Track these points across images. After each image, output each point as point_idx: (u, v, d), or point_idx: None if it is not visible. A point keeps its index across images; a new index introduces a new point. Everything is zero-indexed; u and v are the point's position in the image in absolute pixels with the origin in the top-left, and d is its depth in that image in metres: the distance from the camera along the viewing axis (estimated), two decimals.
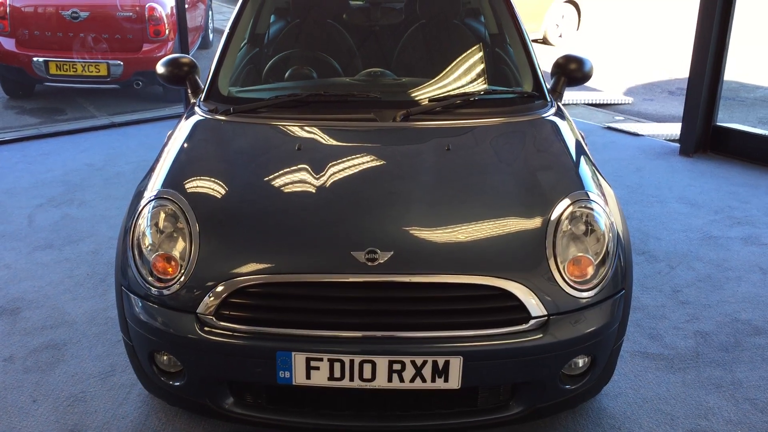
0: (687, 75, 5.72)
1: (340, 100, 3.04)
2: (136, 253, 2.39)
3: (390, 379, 2.20)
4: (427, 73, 3.36)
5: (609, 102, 7.88)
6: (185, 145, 2.82)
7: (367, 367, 2.18)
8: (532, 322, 2.22)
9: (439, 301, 2.23)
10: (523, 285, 2.22)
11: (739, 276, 3.81)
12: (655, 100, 8.21)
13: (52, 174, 5.27)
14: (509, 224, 2.39)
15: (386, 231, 2.32)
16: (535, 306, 2.22)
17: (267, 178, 2.58)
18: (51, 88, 7.67)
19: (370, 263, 2.20)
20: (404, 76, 3.37)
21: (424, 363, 2.17)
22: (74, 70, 7.15)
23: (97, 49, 7.21)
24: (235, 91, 3.27)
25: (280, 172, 2.60)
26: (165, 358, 2.38)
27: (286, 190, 2.53)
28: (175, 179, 2.56)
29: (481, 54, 3.47)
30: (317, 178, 2.51)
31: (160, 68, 3.28)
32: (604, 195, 2.59)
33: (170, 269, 2.32)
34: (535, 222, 2.37)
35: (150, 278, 2.34)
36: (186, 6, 7.67)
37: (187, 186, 2.52)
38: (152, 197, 2.48)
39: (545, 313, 2.23)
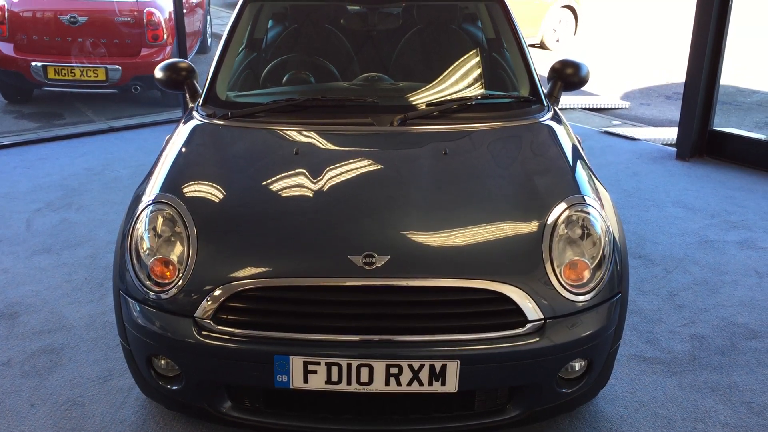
0: (684, 79, 5.75)
1: (338, 104, 3.05)
2: (134, 257, 2.40)
3: (387, 383, 2.20)
4: (424, 78, 3.37)
5: (606, 106, 7.89)
6: (183, 149, 2.83)
7: (365, 371, 2.19)
8: (528, 325, 2.23)
9: (436, 305, 2.24)
10: (520, 289, 2.23)
11: (736, 280, 3.82)
12: (652, 105, 8.23)
13: (51, 178, 5.28)
14: (506, 228, 2.40)
15: (383, 235, 2.33)
16: (531, 310, 2.23)
17: (265, 183, 2.59)
18: (49, 92, 7.68)
19: (367, 267, 2.21)
20: (402, 81, 3.38)
21: (421, 367, 2.18)
22: (72, 74, 7.15)
23: (96, 53, 7.22)
24: (233, 95, 3.28)
25: (278, 177, 2.61)
26: (163, 362, 2.39)
27: (284, 195, 2.54)
28: (173, 183, 2.57)
29: (478, 59, 3.49)
30: (315, 183, 2.52)
31: (158, 73, 3.30)
32: (600, 199, 2.60)
33: (168, 273, 2.33)
34: (532, 226, 2.39)
35: (148, 282, 2.34)
36: (184, 11, 7.68)
37: (185, 190, 2.53)
38: (150, 201, 2.49)
39: (542, 316, 2.24)
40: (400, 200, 2.48)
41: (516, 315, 2.23)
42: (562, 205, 2.44)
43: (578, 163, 2.77)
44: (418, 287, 2.22)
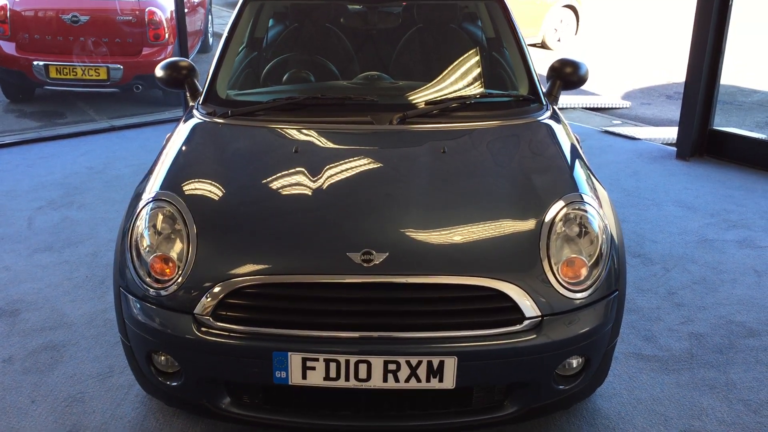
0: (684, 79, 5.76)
1: (337, 103, 3.07)
2: (134, 254, 2.41)
3: (385, 379, 2.22)
4: (424, 77, 3.39)
5: (607, 106, 7.90)
6: (183, 147, 2.85)
7: (363, 367, 2.20)
8: (526, 322, 2.24)
9: (433, 302, 2.25)
10: (517, 286, 2.25)
11: (734, 278, 3.83)
12: (653, 104, 8.24)
13: (52, 177, 5.30)
14: (504, 226, 2.41)
15: (382, 232, 2.34)
16: (529, 307, 2.24)
17: (264, 181, 2.60)
18: (51, 91, 7.70)
19: (365, 264, 2.23)
20: (401, 80, 3.40)
21: (419, 363, 2.20)
22: (74, 73, 7.17)
23: (97, 53, 7.24)
24: (234, 94, 3.29)
25: (277, 175, 2.62)
26: (162, 358, 2.40)
27: (283, 192, 2.55)
28: (173, 181, 2.59)
29: (477, 58, 3.50)
30: (314, 181, 2.53)
31: (158, 72, 3.31)
32: (598, 197, 2.61)
33: (168, 270, 2.34)
34: (529, 224, 2.40)
35: (148, 279, 2.36)
36: (186, 10, 7.69)
37: (185, 188, 2.54)
38: (150, 199, 2.50)
39: (539, 313, 2.25)
40: (399, 198, 2.50)
41: (513, 312, 2.24)
42: (560, 203, 2.45)
43: (576, 161, 2.79)
44: (416, 284, 2.24)
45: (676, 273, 3.88)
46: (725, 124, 6.74)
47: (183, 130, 2.99)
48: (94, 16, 7.22)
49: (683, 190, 5.13)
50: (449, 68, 3.40)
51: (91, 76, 7.18)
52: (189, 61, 3.40)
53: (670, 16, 14.28)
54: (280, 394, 2.39)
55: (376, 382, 2.22)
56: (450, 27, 3.80)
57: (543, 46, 11.52)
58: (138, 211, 2.50)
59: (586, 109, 7.76)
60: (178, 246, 2.36)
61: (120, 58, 7.22)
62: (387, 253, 2.24)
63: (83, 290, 3.66)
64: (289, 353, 2.20)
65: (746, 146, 5.67)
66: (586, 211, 2.46)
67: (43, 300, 3.56)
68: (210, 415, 2.45)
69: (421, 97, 3.17)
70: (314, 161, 2.65)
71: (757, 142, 5.68)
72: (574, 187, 2.57)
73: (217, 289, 2.24)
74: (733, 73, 8.44)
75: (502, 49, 3.55)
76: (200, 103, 3.15)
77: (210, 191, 2.54)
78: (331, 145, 2.84)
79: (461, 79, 3.37)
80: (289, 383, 2.24)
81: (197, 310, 2.25)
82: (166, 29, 7.35)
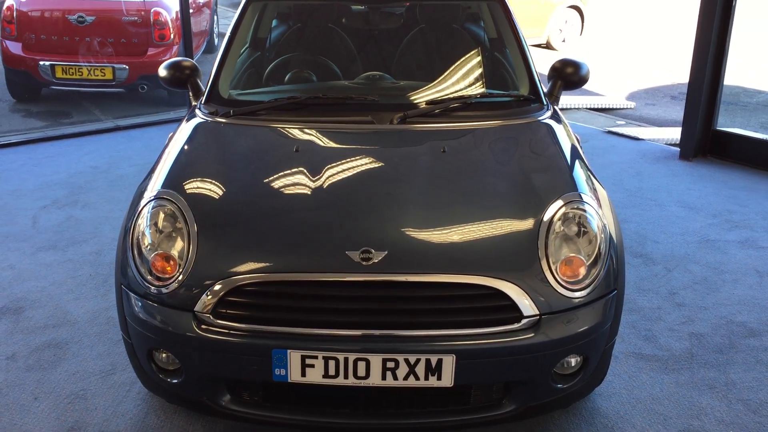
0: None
1: (338, 102, 3.08)
2: (135, 252, 2.43)
3: (384, 377, 2.23)
4: (425, 77, 3.40)
5: (611, 106, 7.90)
6: (185, 146, 2.87)
7: (361, 365, 2.22)
8: (524, 321, 2.25)
9: (432, 300, 2.26)
10: (516, 285, 2.26)
11: (736, 279, 3.83)
12: (658, 105, 8.23)
13: (57, 176, 5.33)
14: (502, 225, 2.43)
15: (381, 231, 2.36)
16: (527, 305, 2.25)
17: (264, 180, 2.62)
18: (57, 91, 7.74)
19: (364, 263, 2.24)
20: (403, 80, 3.41)
21: (418, 361, 2.21)
22: (80, 73, 7.21)
23: (103, 53, 7.28)
24: (236, 94, 3.31)
25: (278, 174, 2.64)
26: (163, 355, 2.42)
27: (283, 191, 2.57)
28: (174, 180, 2.61)
29: (479, 58, 3.51)
30: (314, 180, 2.55)
31: (162, 71, 3.34)
32: (597, 197, 2.62)
33: (169, 268, 2.36)
34: (528, 223, 2.41)
35: (149, 277, 2.38)
36: (191, 11, 7.74)
37: (186, 187, 2.56)
38: (152, 197, 2.53)
39: (537, 312, 2.26)
40: (398, 197, 2.51)
41: (512, 311, 2.25)
42: (559, 202, 2.46)
43: (576, 161, 2.80)
44: (414, 282, 2.25)
45: (678, 273, 3.88)
46: (730, 124, 6.73)
47: (185, 129, 3.02)
48: (100, 17, 7.27)
49: (686, 190, 5.13)
50: (450, 68, 3.42)
51: (97, 76, 7.22)
52: (192, 60, 3.43)
53: (676, 16, 14.25)
54: (280, 391, 2.41)
55: (375, 379, 2.23)
56: (452, 27, 3.82)
57: (548, 46, 11.52)
58: (140, 209, 2.52)
59: (591, 109, 7.76)
60: (179, 244, 2.38)
61: (125, 59, 7.26)
62: (386, 252, 2.26)
63: (87, 288, 3.68)
64: (288, 351, 2.21)
65: (749, 147, 5.66)
66: (585, 211, 2.47)
67: (46, 298, 3.59)
68: (210, 412, 2.47)
69: (421, 96, 3.19)
70: (315, 160, 2.67)
71: (760, 142, 5.68)
72: (573, 186, 2.57)
73: (217, 287, 2.26)
74: (737, 72, 8.42)
75: (503, 50, 3.56)
76: (203, 102, 3.17)
77: (211, 190, 2.56)
78: (331, 144, 2.86)
79: (462, 79, 3.38)
80: (289, 380, 2.25)
81: (198, 307, 2.27)
82: (171, 30, 7.38)
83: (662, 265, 3.98)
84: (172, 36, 7.40)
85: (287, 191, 2.57)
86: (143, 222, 2.47)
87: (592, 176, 2.78)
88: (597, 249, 2.41)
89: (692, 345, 3.22)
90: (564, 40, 11.67)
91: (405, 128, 2.92)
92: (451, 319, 2.24)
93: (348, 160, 2.71)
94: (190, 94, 3.33)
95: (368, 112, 2.98)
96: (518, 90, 3.29)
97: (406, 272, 2.25)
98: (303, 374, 2.24)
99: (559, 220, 2.42)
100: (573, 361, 2.42)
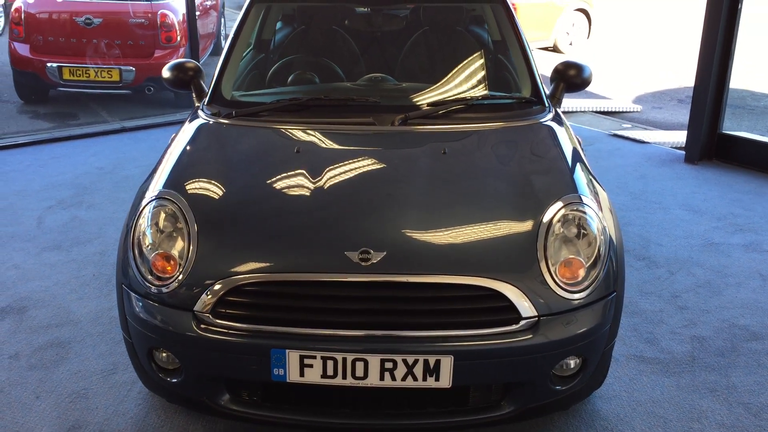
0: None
1: (340, 104, 3.09)
2: (136, 252, 2.45)
3: (382, 378, 2.23)
4: (428, 79, 3.41)
5: (617, 110, 7.89)
6: (187, 147, 2.88)
7: (360, 365, 2.22)
8: (522, 322, 2.25)
9: (430, 301, 2.26)
10: (514, 286, 2.25)
11: (739, 282, 3.82)
12: (664, 108, 8.22)
13: (63, 177, 5.36)
14: (502, 226, 2.43)
15: (380, 232, 2.36)
16: (525, 307, 2.25)
17: (265, 180, 2.63)
18: (64, 93, 7.79)
19: (363, 263, 2.24)
20: (406, 82, 3.42)
21: (416, 362, 2.21)
22: (87, 75, 7.26)
23: (110, 55, 7.32)
24: (239, 95, 3.33)
25: (278, 175, 2.65)
26: (163, 355, 2.43)
27: (283, 192, 2.58)
28: (175, 180, 2.62)
29: (481, 61, 3.51)
30: (314, 181, 2.56)
31: (165, 72, 3.36)
32: (598, 200, 2.62)
33: (169, 268, 2.37)
34: (528, 224, 2.41)
35: (149, 277, 2.39)
36: (198, 13, 7.78)
37: (187, 187, 2.57)
38: (153, 197, 2.54)
39: (536, 314, 2.26)
40: (398, 198, 2.52)
41: (510, 312, 2.25)
42: (558, 204, 2.46)
43: (577, 163, 2.79)
44: (413, 283, 2.25)
45: (681, 276, 3.87)
46: (737, 128, 6.70)
47: (188, 130, 3.03)
48: (107, 19, 7.31)
49: (691, 193, 5.12)
50: (453, 71, 3.42)
51: (104, 77, 7.27)
52: (195, 62, 3.45)
53: (683, 19, 14.22)
54: (280, 391, 2.42)
55: (373, 380, 2.24)
56: (456, 30, 3.82)
57: (555, 49, 11.51)
58: (141, 209, 2.53)
59: (597, 112, 7.75)
60: (179, 244, 2.39)
61: (132, 60, 7.30)
62: (384, 253, 2.26)
63: (90, 288, 3.70)
64: (287, 351, 2.22)
65: (755, 150, 5.65)
66: (584, 213, 2.47)
67: (50, 297, 3.61)
68: (210, 412, 2.48)
69: (423, 98, 3.19)
70: (315, 161, 2.68)
71: (766, 146, 5.65)
72: (573, 188, 2.57)
73: (216, 287, 2.27)
74: (744, 75, 8.39)
75: (505, 52, 3.56)
76: (205, 103, 3.19)
77: (212, 190, 2.57)
78: (332, 145, 2.87)
79: (464, 81, 3.38)
80: (287, 380, 2.26)
81: (197, 307, 2.28)
82: (178, 32, 7.42)
83: (665, 268, 3.97)
84: (178, 38, 7.43)
85: (287, 192, 2.58)
86: (144, 222, 2.48)
87: (592, 179, 2.78)
88: (596, 251, 2.40)
89: (694, 348, 3.21)
90: (571, 43, 11.66)
91: (406, 130, 2.92)
92: (450, 320, 2.24)
93: (348, 161, 2.72)
94: (193, 95, 3.35)
95: (370, 113, 2.98)
96: (520, 92, 3.29)
97: (405, 273, 2.25)
98: (301, 374, 2.24)
99: (558, 221, 2.42)
100: (572, 362, 2.41)
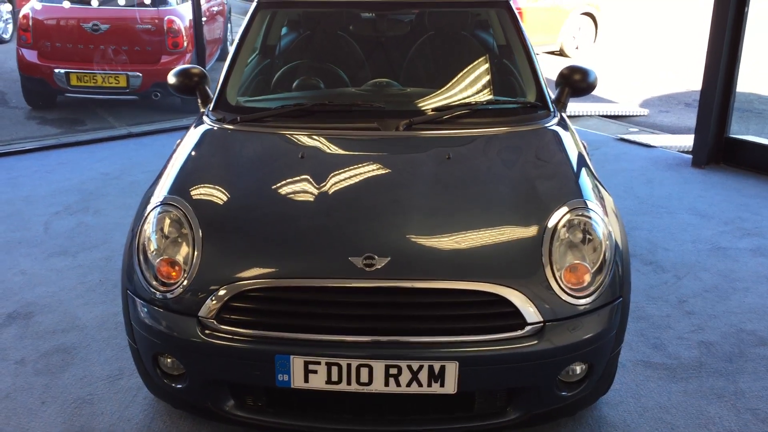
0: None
1: (345, 109, 3.09)
2: (141, 257, 2.45)
3: (387, 384, 2.23)
4: (433, 84, 3.40)
5: (624, 114, 7.87)
6: (192, 153, 2.88)
7: (364, 371, 2.22)
8: (527, 328, 2.24)
9: (435, 307, 2.26)
10: (520, 291, 2.25)
11: (747, 287, 3.80)
12: (671, 112, 8.19)
13: (70, 183, 5.38)
14: (507, 231, 2.42)
15: (384, 237, 2.36)
16: (531, 312, 2.24)
17: (270, 186, 2.63)
18: (72, 99, 7.82)
19: (367, 269, 2.24)
20: (411, 87, 3.42)
21: (421, 368, 2.20)
22: (94, 81, 7.29)
23: (117, 60, 7.35)
24: (243, 101, 3.33)
25: (283, 180, 2.65)
26: (168, 360, 2.43)
27: (288, 198, 2.58)
28: (180, 186, 2.62)
29: (486, 65, 3.51)
30: (318, 186, 2.55)
31: (170, 78, 3.37)
32: (603, 205, 2.61)
33: (174, 274, 2.37)
34: (533, 229, 2.40)
35: (154, 282, 2.39)
36: (205, 19, 7.80)
37: (192, 193, 2.58)
38: (158, 203, 2.54)
39: (541, 319, 2.25)
40: (402, 204, 2.51)
41: (515, 317, 2.24)
42: (564, 209, 2.45)
43: (582, 168, 2.78)
44: (417, 289, 2.25)
45: (688, 281, 3.85)
46: (744, 132, 6.67)
47: (193, 135, 3.04)
48: (114, 25, 7.35)
49: (698, 198, 5.10)
50: (458, 75, 3.42)
51: (111, 83, 7.30)
52: (200, 68, 3.45)
53: (690, 22, 14.18)
54: (284, 397, 2.41)
55: (378, 386, 2.23)
56: (461, 35, 3.82)
57: (561, 53, 11.48)
58: (146, 215, 2.54)
59: (603, 116, 7.73)
60: (184, 250, 2.39)
61: (139, 66, 7.33)
62: (389, 258, 2.26)
63: (96, 294, 3.71)
64: (292, 356, 2.22)
65: (762, 154, 5.62)
66: (590, 218, 2.46)
67: (56, 303, 3.61)
68: (214, 417, 2.48)
69: (428, 103, 3.19)
70: (320, 167, 2.68)
71: None
72: (578, 193, 2.56)
73: (221, 293, 2.27)
74: (750, 76, 8.34)
75: (510, 57, 3.56)
76: (210, 109, 3.19)
77: (216, 196, 2.57)
78: (337, 151, 2.87)
79: (469, 86, 3.38)
80: (292, 386, 2.25)
81: (202, 313, 2.28)
82: (184, 37, 7.45)
83: (672, 272, 3.95)
84: (185, 44, 7.46)
85: (292, 197, 2.57)
86: (149, 227, 2.48)
87: (598, 183, 2.76)
88: (602, 256, 2.39)
89: (701, 353, 3.19)
90: (577, 47, 11.64)
91: (410, 135, 2.92)
92: (454, 325, 2.23)
93: (353, 166, 2.72)
94: (198, 100, 3.35)
95: (374, 119, 2.98)
96: (525, 97, 3.28)
97: (409, 278, 2.24)
98: (306, 380, 2.24)
99: (563, 226, 2.41)
100: (578, 368, 2.40)
